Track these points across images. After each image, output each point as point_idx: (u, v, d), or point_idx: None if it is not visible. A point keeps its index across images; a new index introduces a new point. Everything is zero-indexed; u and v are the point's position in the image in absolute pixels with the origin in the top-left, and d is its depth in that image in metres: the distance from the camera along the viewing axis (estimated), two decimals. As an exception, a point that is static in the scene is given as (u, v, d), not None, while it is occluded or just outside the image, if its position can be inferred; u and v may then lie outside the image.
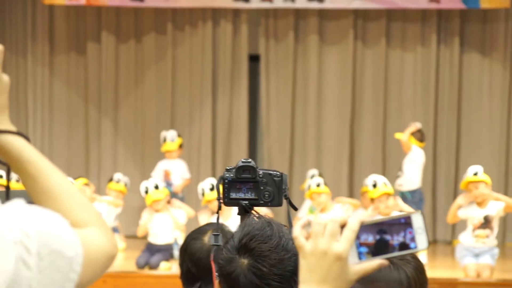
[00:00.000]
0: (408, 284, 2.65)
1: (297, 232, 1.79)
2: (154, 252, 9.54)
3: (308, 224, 1.85)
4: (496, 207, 9.00)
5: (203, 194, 9.24)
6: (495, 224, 9.06)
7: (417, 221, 1.74)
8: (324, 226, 1.75)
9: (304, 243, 1.76)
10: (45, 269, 1.49)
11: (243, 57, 12.64)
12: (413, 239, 1.74)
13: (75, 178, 10.03)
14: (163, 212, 9.60)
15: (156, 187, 9.60)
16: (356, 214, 8.83)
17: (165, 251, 9.55)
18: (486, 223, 9.06)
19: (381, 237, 1.75)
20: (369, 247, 1.75)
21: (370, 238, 1.76)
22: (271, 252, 2.48)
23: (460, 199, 9.15)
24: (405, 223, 1.75)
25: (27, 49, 12.68)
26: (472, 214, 9.09)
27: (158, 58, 12.69)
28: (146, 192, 9.58)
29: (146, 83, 12.72)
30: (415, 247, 1.75)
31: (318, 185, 9.92)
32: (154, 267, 9.42)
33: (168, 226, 9.61)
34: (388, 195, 9.13)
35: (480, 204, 9.06)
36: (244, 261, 2.49)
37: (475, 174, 9.06)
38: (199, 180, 11.86)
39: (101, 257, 1.71)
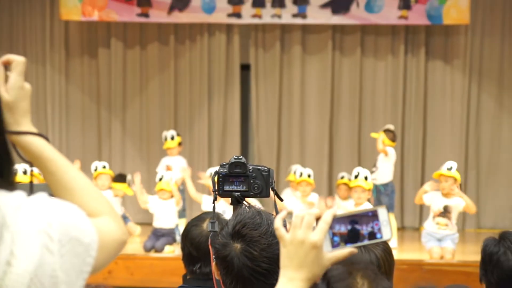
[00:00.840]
0: (378, 264, 2.68)
1: (278, 223, 1.82)
2: (159, 237, 9.52)
3: (287, 215, 1.87)
4: (457, 202, 9.02)
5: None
6: (453, 216, 9.06)
7: (383, 214, 1.76)
8: (302, 218, 1.78)
9: (284, 234, 1.79)
10: (66, 254, 1.49)
11: (236, 66, 12.61)
12: (379, 230, 1.76)
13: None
14: (166, 201, 9.61)
15: (161, 179, 9.65)
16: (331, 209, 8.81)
17: (168, 236, 9.53)
18: (445, 212, 9.06)
19: (352, 227, 1.77)
20: (342, 237, 1.77)
21: (343, 229, 1.77)
22: (261, 238, 2.50)
23: (427, 186, 9.17)
24: (372, 215, 1.77)
25: (46, 58, 12.62)
26: (435, 201, 9.10)
27: (161, 67, 12.65)
28: (161, 179, 9.63)
29: (150, 88, 12.68)
30: (381, 237, 1.77)
31: (308, 176, 9.92)
32: (159, 250, 9.39)
33: (170, 212, 9.60)
34: (363, 188, 9.13)
35: (445, 195, 9.08)
36: (238, 246, 2.51)
37: (449, 169, 9.08)
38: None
39: (113, 243, 1.71)
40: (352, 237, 1.77)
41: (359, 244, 1.77)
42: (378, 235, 1.76)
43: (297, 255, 1.76)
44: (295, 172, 10.20)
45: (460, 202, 9.01)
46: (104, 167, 10.10)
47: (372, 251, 2.68)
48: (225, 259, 2.54)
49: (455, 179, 9.05)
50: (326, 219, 1.76)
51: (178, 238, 9.20)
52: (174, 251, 9.35)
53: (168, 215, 9.59)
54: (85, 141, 12.68)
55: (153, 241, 9.47)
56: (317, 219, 1.78)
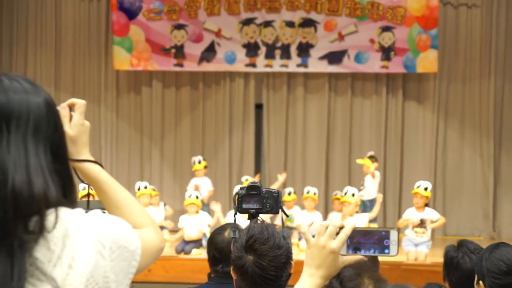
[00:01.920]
0: (365, 264, 2.67)
1: (305, 229, 1.84)
2: (188, 242, 9.49)
3: (310, 224, 1.88)
4: (429, 214, 9.05)
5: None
6: (428, 226, 9.06)
7: (394, 235, 1.75)
8: (326, 228, 1.78)
9: (310, 238, 1.80)
10: (115, 259, 1.50)
11: (251, 105, 12.61)
12: (388, 247, 1.74)
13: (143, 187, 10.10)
14: (192, 215, 9.57)
15: (190, 196, 9.63)
16: (351, 221, 8.92)
17: (196, 242, 9.50)
18: (422, 223, 9.05)
19: (366, 240, 1.75)
20: (357, 245, 1.76)
21: (359, 240, 1.76)
22: (269, 251, 2.50)
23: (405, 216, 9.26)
24: (385, 234, 1.75)
25: (100, 99, 12.65)
26: (412, 216, 9.11)
27: (192, 105, 12.66)
28: (189, 196, 9.63)
29: (183, 122, 12.69)
30: (388, 253, 1.75)
31: (314, 194, 9.97)
32: (188, 253, 9.36)
33: (197, 225, 9.54)
34: (349, 203, 9.19)
35: (417, 209, 9.08)
36: (250, 258, 2.51)
37: (425, 189, 9.11)
38: (221, 191, 11.88)
39: (154, 249, 1.72)
40: (365, 247, 1.76)
41: (368, 254, 1.77)
42: (386, 251, 1.76)
43: (318, 257, 1.77)
44: (308, 192, 10.18)
45: (432, 214, 9.04)
46: (146, 187, 10.09)
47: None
48: (240, 268, 2.54)
49: (427, 197, 9.13)
50: (346, 231, 1.76)
51: (205, 243, 9.17)
52: (200, 253, 9.31)
53: (195, 228, 9.53)
54: (130, 165, 12.68)
55: (183, 245, 9.43)
56: (340, 229, 1.78)
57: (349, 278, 2.06)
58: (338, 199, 10.25)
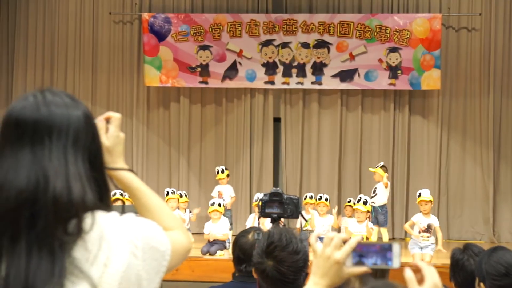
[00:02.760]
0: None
1: (313, 240, 1.78)
2: (213, 244, 9.48)
3: (318, 236, 1.83)
4: (435, 221, 9.05)
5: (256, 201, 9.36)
6: (434, 231, 9.06)
7: (396, 248, 1.68)
8: (331, 239, 1.73)
9: (317, 248, 1.74)
10: (147, 259, 1.49)
11: (270, 119, 12.60)
12: (391, 259, 1.69)
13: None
14: (216, 222, 9.54)
15: (212, 204, 9.62)
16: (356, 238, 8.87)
17: (220, 244, 9.48)
18: (428, 229, 9.00)
19: (370, 252, 1.71)
20: (360, 253, 1.71)
21: (364, 251, 1.72)
22: (287, 257, 2.48)
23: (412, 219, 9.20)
24: (388, 247, 1.70)
25: (133, 113, 12.71)
26: (420, 221, 9.09)
27: (216, 119, 12.69)
28: (212, 204, 9.61)
29: (208, 134, 12.71)
30: (391, 265, 1.69)
31: (326, 200, 9.94)
32: (213, 254, 9.34)
33: (220, 230, 9.51)
34: (361, 210, 9.17)
35: (425, 214, 9.06)
36: (270, 263, 2.49)
37: (428, 194, 9.17)
38: (242, 198, 11.87)
39: (182, 250, 1.70)
40: (367, 256, 1.70)
41: (372, 266, 1.70)
42: (389, 263, 1.68)
43: (323, 267, 1.72)
44: (320, 198, 10.14)
45: (436, 221, 9.04)
46: (174, 192, 10.12)
47: None
48: (262, 272, 2.52)
49: (431, 202, 9.11)
50: (351, 243, 1.71)
51: (228, 245, 9.16)
52: (224, 254, 9.29)
53: (219, 233, 9.51)
54: (160, 173, 12.70)
55: (208, 247, 9.42)
56: (345, 242, 1.73)
57: None
58: (350, 206, 10.21)
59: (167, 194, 10.01)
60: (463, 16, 12.13)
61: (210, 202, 9.81)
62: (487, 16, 12.07)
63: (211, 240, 9.47)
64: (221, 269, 8.51)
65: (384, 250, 1.69)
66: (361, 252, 1.69)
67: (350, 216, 10.09)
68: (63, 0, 12.80)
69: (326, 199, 9.99)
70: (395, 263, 1.67)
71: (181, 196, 10.44)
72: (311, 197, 10.29)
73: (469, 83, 12.20)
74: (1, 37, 12.92)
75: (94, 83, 12.81)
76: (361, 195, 9.60)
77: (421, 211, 9.17)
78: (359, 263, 1.69)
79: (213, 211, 9.53)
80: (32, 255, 1.40)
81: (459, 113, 12.24)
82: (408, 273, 1.64)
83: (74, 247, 1.43)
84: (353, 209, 9.60)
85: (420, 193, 9.23)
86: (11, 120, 1.49)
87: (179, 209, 10.09)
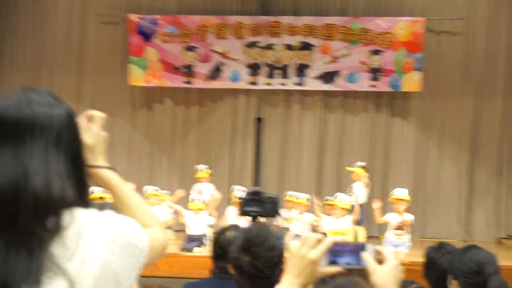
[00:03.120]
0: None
1: (288, 239, 1.79)
2: (191, 241, 9.46)
3: (293, 236, 1.82)
4: (407, 217, 9.06)
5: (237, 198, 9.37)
6: (406, 228, 9.09)
7: (370, 248, 1.70)
8: (307, 239, 1.74)
9: (292, 248, 1.75)
10: (125, 256, 1.50)
11: (252, 119, 12.60)
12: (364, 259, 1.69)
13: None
14: (198, 214, 9.56)
15: (192, 200, 9.63)
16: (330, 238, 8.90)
17: (198, 241, 9.46)
18: (400, 226, 9.06)
19: (344, 252, 1.71)
20: (334, 253, 1.71)
21: (338, 251, 1.72)
22: (263, 253, 2.50)
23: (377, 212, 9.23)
24: (362, 247, 1.70)
25: (117, 112, 12.66)
26: (392, 218, 9.12)
27: (199, 119, 12.67)
28: (192, 201, 9.62)
29: (191, 134, 12.68)
30: (364, 265, 1.71)
31: (307, 200, 9.96)
32: (191, 250, 9.33)
33: (199, 223, 9.53)
34: (338, 207, 9.20)
35: (398, 213, 9.10)
36: (247, 259, 2.50)
37: (404, 194, 9.17)
38: (223, 197, 11.85)
39: (159, 247, 1.73)
40: (341, 255, 1.71)
41: (346, 265, 1.71)
42: (362, 263, 1.70)
43: (298, 266, 1.72)
44: (298, 198, 10.16)
45: (409, 217, 9.06)
46: (157, 190, 10.12)
47: None
48: (238, 267, 2.54)
49: (407, 201, 9.14)
50: (326, 243, 1.71)
51: (206, 242, 9.17)
52: (202, 251, 9.28)
53: (197, 226, 9.52)
54: (142, 171, 12.66)
55: (186, 244, 9.41)
56: (320, 241, 1.73)
57: None
58: (329, 204, 10.23)
59: (146, 192, 10.04)
60: (445, 20, 12.20)
61: (190, 198, 9.80)
62: (468, 21, 12.15)
63: (189, 233, 9.47)
64: (199, 266, 8.51)
65: (358, 250, 1.69)
66: (334, 251, 1.70)
67: (329, 214, 10.11)
68: (51, 1, 12.74)
69: (307, 199, 10.01)
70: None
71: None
72: (291, 195, 10.32)
73: (449, 86, 12.27)
74: (-12, 37, 12.84)
75: (80, 83, 12.76)
76: (339, 193, 9.62)
77: (394, 210, 9.24)
78: (333, 262, 1.70)
79: (195, 209, 9.54)
80: (10, 251, 1.40)
81: (438, 115, 12.31)
82: (366, 255, 1.65)
83: (52, 244, 1.43)
84: (331, 207, 9.62)
85: (393, 192, 9.29)
86: (-7, 119, 1.50)
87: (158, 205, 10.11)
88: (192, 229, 9.54)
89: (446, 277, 3.20)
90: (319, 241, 1.73)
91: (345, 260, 1.70)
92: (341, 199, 9.26)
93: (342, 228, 9.14)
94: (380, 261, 1.69)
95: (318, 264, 1.71)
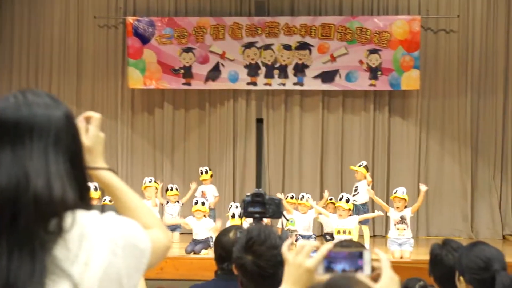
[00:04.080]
0: None
1: (285, 248, 1.76)
2: (197, 243, 9.45)
3: (291, 244, 1.79)
4: (407, 212, 9.12)
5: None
6: (408, 222, 9.13)
7: (367, 255, 1.65)
8: (303, 247, 1.71)
9: (288, 256, 1.72)
10: (127, 257, 1.48)
11: (253, 120, 12.59)
12: (361, 266, 1.66)
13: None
14: (201, 220, 9.54)
15: (196, 203, 9.60)
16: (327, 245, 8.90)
17: (204, 243, 9.46)
18: (402, 220, 9.11)
19: (339, 258, 1.68)
20: (331, 263, 1.67)
21: (333, 257, 1.69)
22: (266, 252, 2.48)
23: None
24: (359, 254, 1.68)
25: (117, 115, 12.66)
26: (394, 215, 9.18)
27: (199, 121, 12.67)
28: (196, 203, 9.58)
29: (191, 137, 12.68)
30: (362, 271, 1.67)
31: (307, 199, 9.97)
32: (197, 253, 9.32)
33: (204, 228, 9.51)
34: (343, 208, 9.24)
35: (397, 209, 9.17)
36: (250, 258, 2.48)
37: (402, 193, 9.17)
38: (225, 198, 11.85)
39: (162, 248, 1.70)
40: (336, 261, 1.66)
41: (342, 272, 1.66)
42: (360, 269, 1.64)
43: (294, 274, 1.70)
44: (302, 197, 10.16)
45: (408, 212, 9.08)
46: (150, 181, 10.40)
47: None
48: (241, 267, 2.52)
49: (405, 200, 9.18)
50: (322, 251, 1.67)
51: (212, 244, 9.14)
52: (208, 253, 9.27)
53: (202, 230, 9.50)
54: (144, 175, 12.62)
55: (192, 246, 9.39)
56: (316, 249, 1.69)
57: None
58: (332, 203, 10.24)
59: (144, 183, 10.22)
60: (442, 18, 12.20)
61: (194, 201, 9.79)
62: (464, 18, 12.16)
63: (195, 238, 9.45)
64: (205, 268, 8.48)
65: (354, 256, 1.67)
66: (330, 258, 1.67)
67: (332, 213, 10.12)
68: (48, 4, 12.74)
69: (307, 199, 10.01)
70: (366, 270, 1.65)
71: (171, 189, 10.58)
72: (292, 197, 10.32)
73: (447, 83, 12.28)
74: (-15, 41, 12.83)
75: (79, 86, 12.75)
76: (343, 193, 9.67)
77: (394, 207, 9.31)
78: (329, 269, 1.67)
79: (196, 210, 9.52)
80: (13, 254, 1.38)
81: (438, 113, 12.31)
82: (361, 276, 1.62)
83: (54, 246, 1.41)
84: (335, 207, 9.63)
85: (396, 191, 9.37)
86: (-8, 121, 1.48)
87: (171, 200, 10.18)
88: (198, 235, 9.51)
89: (451, 274, 3.17)
90: (316, 248, 1.69)
91: (341, 267, 1.67)
92: (345, 201, 9.35)
93: (348, 226, 9.16)
94: (375, 277, 1.66)
95: (314, 272, 1.67)
